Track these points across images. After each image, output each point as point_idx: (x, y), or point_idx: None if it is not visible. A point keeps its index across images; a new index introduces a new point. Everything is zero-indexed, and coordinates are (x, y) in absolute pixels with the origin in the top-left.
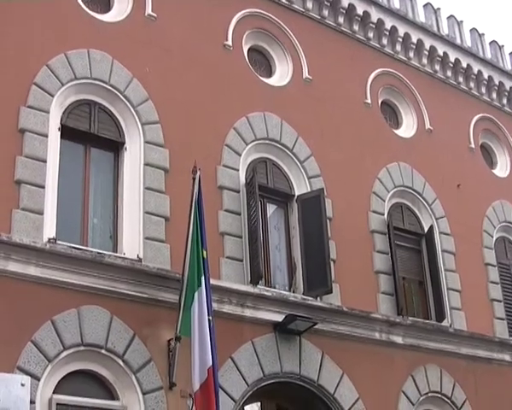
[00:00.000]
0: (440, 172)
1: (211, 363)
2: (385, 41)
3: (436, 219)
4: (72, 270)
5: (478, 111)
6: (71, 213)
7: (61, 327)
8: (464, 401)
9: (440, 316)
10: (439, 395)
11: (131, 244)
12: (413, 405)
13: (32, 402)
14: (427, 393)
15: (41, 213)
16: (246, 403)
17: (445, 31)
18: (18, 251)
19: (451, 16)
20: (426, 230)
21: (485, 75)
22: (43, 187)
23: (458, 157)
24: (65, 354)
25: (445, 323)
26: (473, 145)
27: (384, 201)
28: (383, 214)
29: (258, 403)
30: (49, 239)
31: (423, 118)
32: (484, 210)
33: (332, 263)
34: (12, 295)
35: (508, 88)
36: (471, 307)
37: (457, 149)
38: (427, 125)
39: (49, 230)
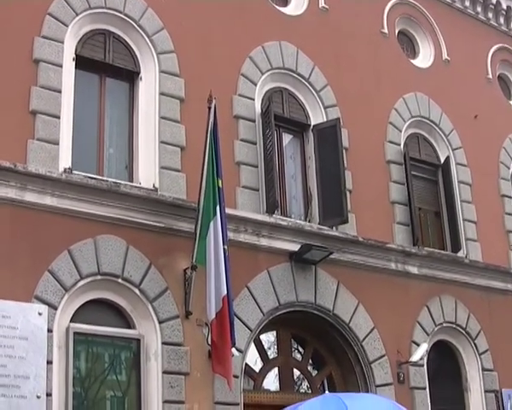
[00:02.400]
0: (457, 103)
1: (226, 292)
2: None
3: (452, 149)
4: (88, 200)
5: (496, 41)
6: (86, 143)
7: (77, 257)
8: (479, 332)
9: (456, 247)
10: (454, 326)
11: (147, 174)
12: (428, 335)
13: (50, 331)
14: (441, 323)
15: (56, 143)
16: (261, 332)
17: None
18: (34, 181)
19: None
20: (442, 160)
21: (504, 5)
22: (58, 117)
23: (475, 88)
24: (82, 283)
25: (460, 254)
26: (490, 76)
27: (400, 131)
28: (399, 145)
29: (274, 332)
30: (65, 169)
31: (440, 48)
32: (501, 141)
33: (348, 193)
34: (28, 225)
35: None
36: (487, 238)
37: (475, 79)
38: (445, 56)
39: (65, 160)
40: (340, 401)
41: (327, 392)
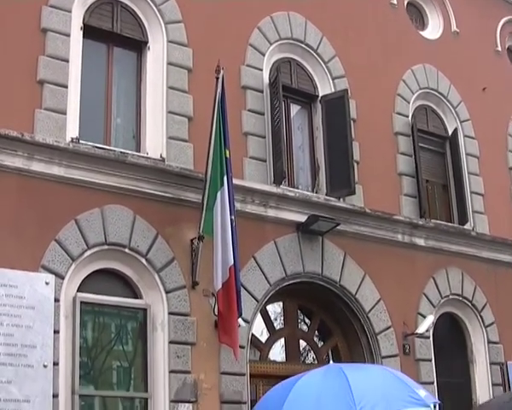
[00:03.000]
0: (466, 75)
1: (232, 262)
2: None
3: (461, 122)
4: (95, 169)
5: (505, 14)
6: (94, 113)
7: (84, 226)
8: (485, 305)
9: (463, 219)
10: (460, 298)
11: (154, 144)
12: (434, 307)
13: (57, 300)
14: (448, 295)
15: (64, 112)
16: (268, 303)
17: None
18: (41, 151)
19: None
20: (450, 133)
21: None
22: (65, 87)
23: (484, 60)
24: (88, 253)
25: (467, 226)
26: (499, 48)
27: (408, 103)
28: (407, 116)
29: (280, 303)
30: (72, 139)
31: (450, 20)
32: (509, 114)
33: (355, 164)
34: (35, 194)
35: None
36: (494, 211)
37: (484, 51)
38: (454, 27)
39: (72, 129)
40: (341, 372)
41: (331, 362)
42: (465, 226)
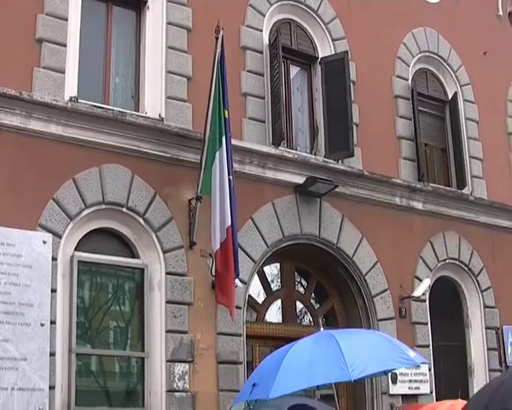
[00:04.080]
0: (467, 39)
1: (230, 222)
2: None
3: (460, 86)
4: (93, 128)
5: None
6: (92, 72)
7: (82, 185)
8: (481, 269)
9: (461, 183)
10: (457, 262)
11: (153, 104)
12: (431, 271)
13: (54, 259)
14: (445, 259)
15: (62, 71)
16: (265, 264)
17: None
18: (39, 109)
19: None
20: (450, 97)
21: None
22: (64, 45)
23: (485, 24)
24: (86, 212)
25: (465, 191)
26: (501, 13)
27: (408, 66)
28: (407, 80)
29: (278, 264)
30: (71, 98)
31: None
32: (509, 79)
33: (354, 127)
34: (34, 153)
35: None
36: (492, 175)
37: (485, 16)
38: None
39: (71, 88)
40: (332, 338)
41: (321, 329)
42: (463, 191)
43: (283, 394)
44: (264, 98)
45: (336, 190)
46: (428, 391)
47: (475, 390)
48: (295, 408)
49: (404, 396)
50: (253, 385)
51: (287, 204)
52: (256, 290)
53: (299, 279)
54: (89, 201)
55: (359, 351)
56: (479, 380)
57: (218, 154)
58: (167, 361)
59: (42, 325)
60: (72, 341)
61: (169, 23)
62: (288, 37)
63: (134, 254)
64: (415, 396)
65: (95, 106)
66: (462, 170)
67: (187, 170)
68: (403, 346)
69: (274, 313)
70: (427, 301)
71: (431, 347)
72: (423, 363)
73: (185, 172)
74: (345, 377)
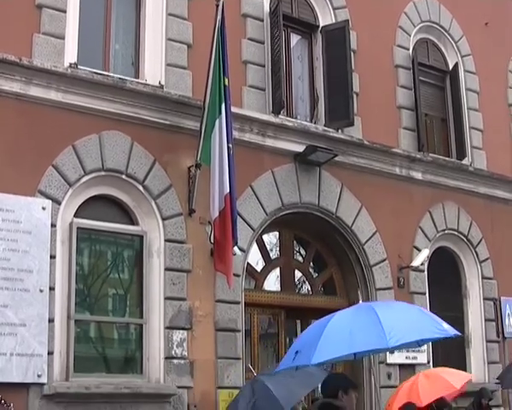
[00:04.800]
0: (468, 9)
1: (228, 190)
2: None
3: (462, 56)
4: (93, 95)
5: None
6: (92, 39)
7: (81, 152)
8: (480, 240)
9: (461, 154)
10: (456, 233)
11: (153, 71)
12: (429, 241)
13: (53, 226)
14: (443, 230)
15: (62, 37)
16: (264, 232)
17: None
18: (39, 76)
19: None
20: (451, 67)
21: None
22: (64, 11)
23: None
24: (85, 178)
25: (465, 161)
26: None
27: (410, 35)
28: (408, 49)
29: (277, 233)
30: (71, 64)
31: None
32: (510, 50)
33: (354, 96)
34: (33, 119)
35: None
36: (492, 146)
37: None
38: None
39: (71, 54)
40: (372, 310)
41: (361, 302)
42: (463, 161)
43: (325, 360)
44: (264, 66)
45: (336, 159)
46: (425, 361)
47: (472, 361)
48: None
49: (401, 366)
50: (296, 353)
51: (286, 173)
52: (255, 259)
53: (297, 248)
54: (88, 167)
55: (397, 321)
56: (476, 351)
57: (217, 121)
58: (166, 328)
59: (41, 291)
60: (70, 307)
61: None
62: (288, 5)
63: (133, 221)
64: (412, 366)
65: (94, 72)
66: (462, 141)
67: (186, 137)
68: (437, 318)
69: (272, 282)
70: (426, 272)
71: None
72: (456, 335)
73: (185, 140)
74: (383, 344)
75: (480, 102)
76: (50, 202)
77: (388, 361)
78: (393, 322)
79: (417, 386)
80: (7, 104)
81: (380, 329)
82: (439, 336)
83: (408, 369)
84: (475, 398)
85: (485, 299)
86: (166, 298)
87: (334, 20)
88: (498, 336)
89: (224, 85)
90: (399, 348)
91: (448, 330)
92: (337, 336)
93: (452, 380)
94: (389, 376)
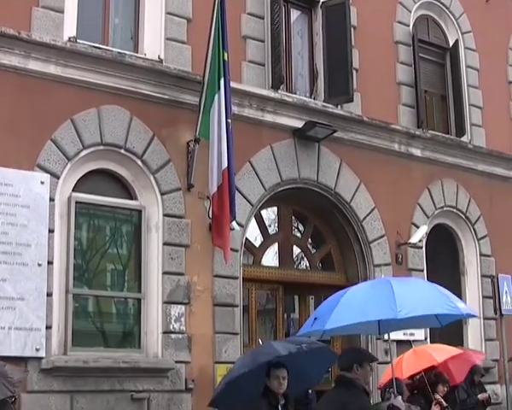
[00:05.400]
0: None
1: (226, 165)
2: None
3: (462, 33)
4: (92, 69)
5: None
6: (92, 13)
7: (80, 126)
8: (478, 217)
9: (460, 131)
10: (454, 210)
11: (152, 45)
12: (428, 218)
13: (52, 200)
14: (442, 207)
15: (61, 11)
16: (262, 207)
17: None
18: (38, 49)
19: None
20: (451, 44)
21: None
22: None
23: None
24: (84, 153)
25: (464, 138)
26: None
27: (410, 12)
28: (408, 26)
29: (275, 208)
30: (70, 38)
31: None
32: (511, 27)
33: (354, 72)
34: (32, 93)
35: None
36: (491, 124)
37: None
38: None
39: (70, 28)
40: (388, 283)
41: (382, 276)
42: (462, 138)
43: (337, 326)
44: (264, 42)
45: (335, 134)
46: (423, 337)
47: (469, 338)
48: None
49: (398, 342)
50: (315, 319)
51: (285, 148)
52: (253, 234)
53: (296, 224)
54: (87, 142)
55: (410, 295)
56: (473, 328)
57: (216, 96)
58: (164, 303)
59: (39, 265)
60: (69, 281)
61: None
62: None
63: (132, 196)
64: (409, 342)
65: (94, 47)
66: (461, 118)
67: (185, 112)
68: (452, 296)
69: (271, 257)
70: (424, 248)
71: None
72: (469, 316)
73: (184, 114)
74: (393, 314)
75: (480, 80)
76: (49, 176)
77: (385, 337)
78: (406, 296)
79: (402, 361)
80: (5, 78)
81: (392, 301)
82: (448, 312)
83: (405, 345)
84: (467, 375)
85: (482, 276)
86: (165, 273)
87: None
88: (496, 313)
89: (224, 60)
90: (420, 326)
91: (461, 308)
92: (352, 304)
93: (436, 355)
94: (386, 352)
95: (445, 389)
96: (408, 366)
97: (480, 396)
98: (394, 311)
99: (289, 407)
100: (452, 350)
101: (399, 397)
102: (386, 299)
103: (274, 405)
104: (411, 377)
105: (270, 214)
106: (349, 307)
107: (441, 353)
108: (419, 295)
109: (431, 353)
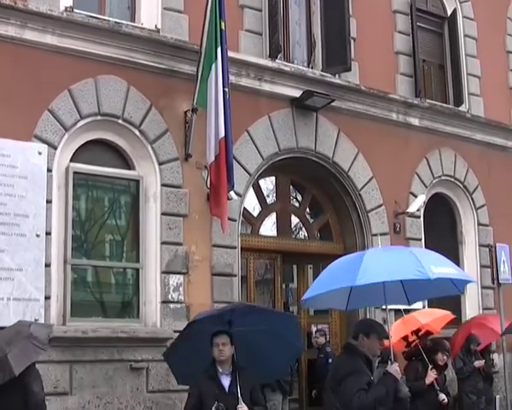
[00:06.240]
0: None
1: (223, 134)
2: None
3: (460, 2)
4: (89, 39)
5: None
6: None
7: (77, 96)
8: (476, 187)
9: (458, 101)
10: (452, 179)
11: (149, 14)
12: (426, 187)
13: (49, 170)
14: (440, 176)
15: None
16: (260, 177)
17: None
18: (34, 19)
19: None
20: (449, 13)
21: None
22: None
23: None
24: (82, 123)
25: (462, 108)
26: None
27: None
28: None
29: (273, 178)
30: (66, 8)
31: None
32: None
33: (352, 41)
34: (29, 63)
35: None
36: (490, 93)
37: None
38: None
39: None
40: (365, 252)
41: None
42: (460, 108)
43: (370, 282)
44: (261, 11)
45: (333, 104)
46: (421, 306)
47: (467, 307)
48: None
49: (396, 311)
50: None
51: (283, 117)
52: (251, 204)
53: (294, 194)
54: (84, 112)
55: (377, 263)
56: (471, 297)
57: (214, 66)
58: (162, 273)
59: (37, 235)
60: (67, 252)
61: None
62: None
63: (129, 166)
64: (407, 311)
65: (90, 16)
66: (459, 87)
67: (183, 82)
68: (434, 261)
69: (269, 227)
70: (422, 218)
71: None
72: (438, 278)
73: (181, 84)
74: (351, 282)
75: (478, 49)
76: (46, 146)
77: (383, 307)
78: (372, 264)
79: (392, 327)
80: (2, 48)
81: (356, 270)
82: (414, 277)
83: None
84: (464, 344)
85: (480, 245)
86: (163, 243)
87: None
88: (493, 283)
89: (221, 29)
90: (441, 294)
91: (437, 273)
92: (377, 264)
93: (422, 318)
94: (384, 321)
95: (445, 357)
96: (395, 331)
97: (476, 364)
98: (354, 278)
99: (242, 382)
100: (438, 312)
101: (395, 364)
102: (352, 267)
103: (213, 375)
104: (408, 344)
105: (268, 184)
106: (376, 266)
107: (426, 316)
108: (387, 261)
109: (417, 317)
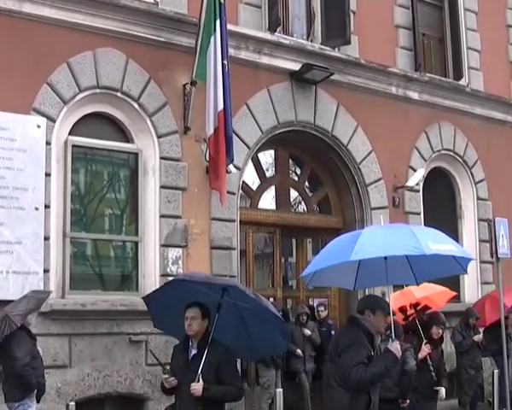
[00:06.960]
0: None
1: (222, 107)
2: None
3: None
4: (87, 12)
5: None
6: None
7: (76, 69)
8: (476, 161)
9: (458, 75)
10: (452, 154)
11: None
12: (425, 161)
13: (48, 143)
14: (439, 150)
15: None
16: (259, 150)
17: None
18: None
19: None
20: None
21: None
22: None
23: None
24: (80, 96)
25: (462, 82)
26: None
27: None
28: None
29: (272, 151)
30: None
31: None
32: None
33: (351, 14)
34: (27, 36)
35: None
36: (489, 68)
37: None
38: None
39: None
40: (362, 230)
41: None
42: (460, 82)
43: (363, 258)
44: None
45: (332, 77)
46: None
47: (466, 282)
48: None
49: (395, 286)
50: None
51: (282, 91)
52: (250, 177)
53: (293, 167)
54: (83, 85)
55: (374, 240)
56: (470, 271)
57: (212, 38)
58: (161, 246)
59: (36, 209)
60: (66, 225)
61: None
62: None
63: (128, 139)
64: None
65: None
66: (459, 61)
67: (182, 54)
68: (432, 238)
69: (268, 200)
70: (421, 192)
71: None
72: (431, 254)
73: (180, 57)
74: (346, 257)
75: (478, 23)
76: (45, 119)
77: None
78: (369, 241)
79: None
80: (0, 22)
81: (352, 246)
82: (409, 253)
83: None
84: (463, 318)
85: (479, 220)
86: (162, 216)
87: None
88: (492, 257)
89: (220, 2)
90: (446, 274)
91: (435, 250)
92: (373, 241)
93: (417, 292)
94: (383, 294)
95: (440, 331)
96: (393, 302)
97: (475, 338)
98: (349, 254)
99: (209, 358)
100: (434, 288)
101: (396, 342)
102: (348, 245)
103: (182, 348)
104: (406, 318)
105: (267, 157)
106: (372, 242)
107: (422, 290)
108: (384, 238)
109: (412, 291)
